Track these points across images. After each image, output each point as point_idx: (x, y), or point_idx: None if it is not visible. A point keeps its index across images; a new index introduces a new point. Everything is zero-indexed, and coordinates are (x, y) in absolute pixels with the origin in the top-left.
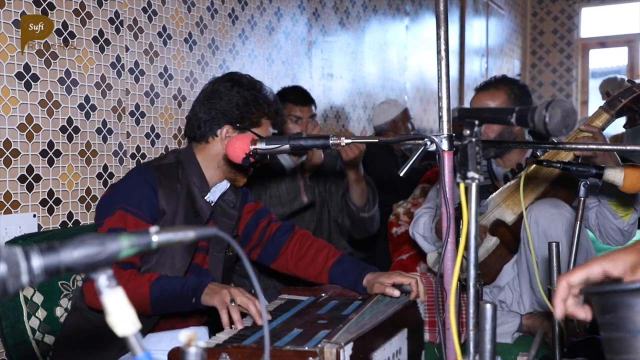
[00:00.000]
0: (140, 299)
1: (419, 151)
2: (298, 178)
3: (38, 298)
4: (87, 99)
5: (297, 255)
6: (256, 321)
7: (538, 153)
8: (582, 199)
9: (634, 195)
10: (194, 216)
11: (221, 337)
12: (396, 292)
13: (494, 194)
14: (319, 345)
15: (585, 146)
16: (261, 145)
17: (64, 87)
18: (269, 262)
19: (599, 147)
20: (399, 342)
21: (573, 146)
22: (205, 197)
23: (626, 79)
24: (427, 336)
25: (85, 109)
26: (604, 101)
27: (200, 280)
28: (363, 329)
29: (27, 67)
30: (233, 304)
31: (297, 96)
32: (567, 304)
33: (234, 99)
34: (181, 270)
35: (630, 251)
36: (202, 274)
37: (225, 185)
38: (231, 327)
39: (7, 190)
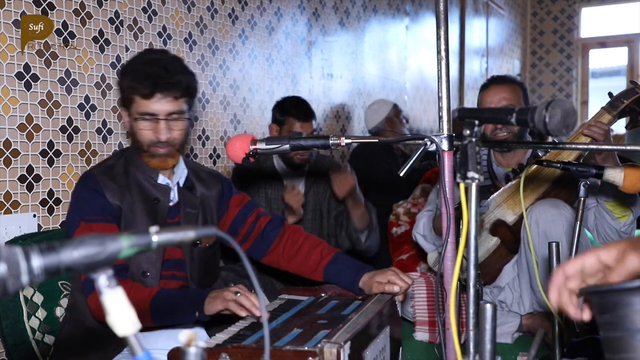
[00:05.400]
0: (141, 314)
1: (419, 151)
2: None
3: (38, 298)
4: (87, 99)
5: (289, 253)
6: (254, 313)
7: (539, 153)
8: (582, 199)
9: (632, 197)
10: (153, 204)
11: (221, 337)
12: (396, 288)
13: (495, 194)
14: (319, 345)
15: (585, 146)
16: (261, 145)
17: (64, 87)
18: (258, 257)
19: (599, 147)
20: (384, 339)
21: (573, 146)
22: (159, 181)
23: None
24: (427, 336)
25: (85, 109)
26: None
27: (200, 292)
28: (357, 327)
29: (27, 67)
30: (239, 295)
31: (300, 111)
32: (562, 295)
33: (121, 83)
34: (157, 262)
35: (624, 241)
36: (180, 266)
37: (182, 168)
38: (245, 318)
39: (7, 190)
